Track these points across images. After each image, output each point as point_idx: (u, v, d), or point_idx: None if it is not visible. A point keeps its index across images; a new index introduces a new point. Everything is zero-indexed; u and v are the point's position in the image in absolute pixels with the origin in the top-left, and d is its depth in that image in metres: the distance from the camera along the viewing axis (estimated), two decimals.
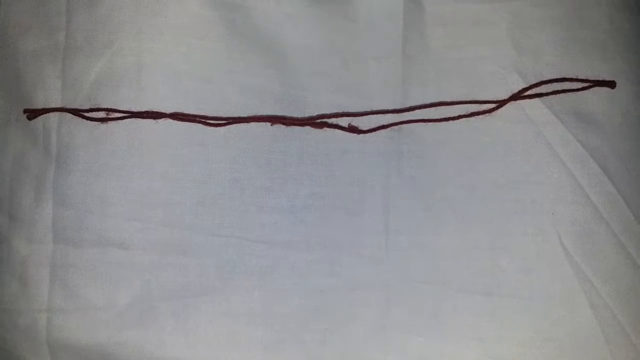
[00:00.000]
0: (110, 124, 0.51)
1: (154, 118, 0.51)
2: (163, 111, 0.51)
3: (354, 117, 0.52)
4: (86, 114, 0.51)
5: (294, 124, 0.51)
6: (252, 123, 0.52)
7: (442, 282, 0.51)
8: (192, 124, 0.51)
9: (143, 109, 0.51)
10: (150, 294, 0.51)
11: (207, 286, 0.51)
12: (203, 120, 0.51)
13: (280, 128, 0.52)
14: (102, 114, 0.51)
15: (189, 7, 0.51)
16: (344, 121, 0.52)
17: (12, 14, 0.52)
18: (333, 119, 0.52)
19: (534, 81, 0.51)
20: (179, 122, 0.51)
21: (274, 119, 0.51)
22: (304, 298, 0.51)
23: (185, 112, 0.51)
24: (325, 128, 0.52)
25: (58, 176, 0.51)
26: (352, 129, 0.52)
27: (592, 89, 0.51)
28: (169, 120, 0.51)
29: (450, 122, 0.51)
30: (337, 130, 0.52)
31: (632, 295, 0.49)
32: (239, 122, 0.51)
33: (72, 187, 0.51)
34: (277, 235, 0.51)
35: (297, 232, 0.51)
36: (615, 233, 0.49)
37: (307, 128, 0.52)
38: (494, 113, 0.51)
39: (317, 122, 0.51)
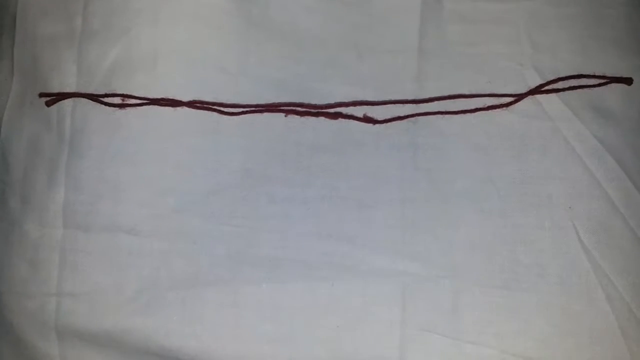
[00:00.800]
0: (125, 110, 0.51)
1: (171, 106, 0.51)
2: (178, 99, 0.51)
3: (369, 107, 0.52)
4: (104, 100, 0.51)
5: (308, 114, 0.51)
6: (266, 113, 0.51)
7: (459, 277, 0.50)
8: (206, 112, 0.51)
9: (158, 97, 0.51)
10: (159, 282, 0.50)
11: (216, 276, 0.50)
12: (219, 108, 0.51)
13: (294, 119, 0.51)
14: (118, 100, 0.51)
15: None
16: (359, 111, 0.52)
17: None
18: (349, 107, 0.51)
19: (551, 77, 0.51)
20: (194, 110, 0.51)
21: (287, 110, 0.51)
22: (314, 291, 0.50)
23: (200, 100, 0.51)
24: (340, 119, 0.51)
25: (71, 160, 0.51)
26: (368, 120, 0.51)
27: (608, 86, 0.50)
28: (184, 108, 0.51)
29: (467, 115, 0.51)
30: (351, 122, 0.51)
31: None
32: (254, 112, 0.51)
33: (85, 172, 0.51)
34: (288, 227, 0.51)
35: (308, 223, 0.51)
36: (632, 227, 0.49)
37: (322, 119, 0.51)
38: (510, 107, 0.51)
39: (331, 112, 0.51)
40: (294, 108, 0.51)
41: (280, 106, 0.51)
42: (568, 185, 0.50)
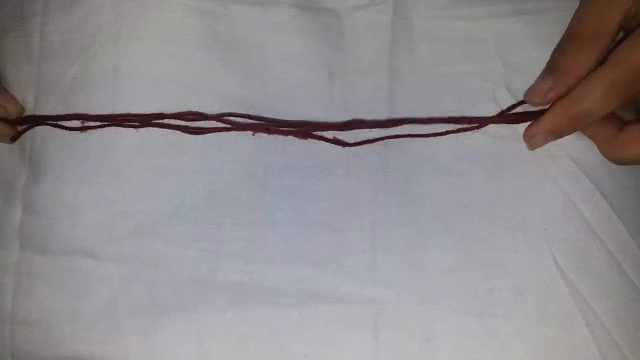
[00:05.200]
0: (87, 132, 0.50)
1: (134, 126, 0.49)
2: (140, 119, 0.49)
3: (339, 132, 0.50)
4: (65, 124, 0.50)
5: (278, 133, 0.50)
6: (232, 132, 0.50)
7: (432, 303, 0.48)
8: (168, 131, 0.49)
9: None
10: (117, 309, 0.48)
11: (177, 303, 0.48)
12: (184, 124, 0.49)
13: (261, 139, 0.50)
14: (78, 123, 0.50)
15: (171, 14, 0.50)
16: (329, 133, 0.50)
17: None
18: (318, 131, 0.50)
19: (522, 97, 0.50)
20: (155, 130, 0.49)
21: (256, 127, 0.50)
22: (282, 319, 0.48)
23: (163, 120, 0.50)
24: (309, 139, 0.50)
25: (29, 182, 0.50)
26: (337, 142, 0.50)
27: None
28: (145, 128, 0.49)
29: (438, 137, 0.50)
30: (321, 143, 0.50)
31: (628, 315, 0.46)
32: (221, 131, 0.49)
33: (42, 194, 0.49)
34: (254, 251, 0.49)
35: (276, 248, 0.49)
36: (610, 250, 0.47)
37: (290, 139, 0.50)
38: (482, 129, 0.50)
39: (301, 132, 0.50)
40: (262, 123, 0.50)
41: (247, 127, 0.50)
42: (543, 206, 0.48)
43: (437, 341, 0.47)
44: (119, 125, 0.49)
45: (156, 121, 0.49)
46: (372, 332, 0.48)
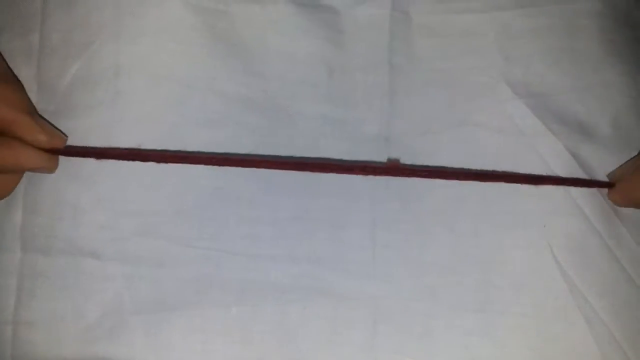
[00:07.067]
0: (85, 123, 0.49)
1: (139, 159, 0.48)
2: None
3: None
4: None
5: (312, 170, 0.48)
6: (232, 128, 0.50)
7: (431, 299, 0.48)
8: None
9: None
10: (122, 307, 0.48)
11: (182, 300, 0.48)
12: (188, 158, 0.48)
13: (263, 136, 0.50)
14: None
15: (170, 11, 0.50)
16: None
17: None
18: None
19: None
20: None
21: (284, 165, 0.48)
22: (285, 315, 0.48)
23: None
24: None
25: (30, 182, 0.49)
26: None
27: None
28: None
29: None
30: (321, 141, 0.50)
31: (627, 311, 0.47)
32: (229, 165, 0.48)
33: (43, 194, 0.49)
34: (258, 249, 0.49)
35: (279, 245, 0.49)
36: (609, 246, 0.47)
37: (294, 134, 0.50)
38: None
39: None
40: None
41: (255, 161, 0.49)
42: (542, 202, 0.48)
43: (435, 336, 0.48)
44: (142, 160, 0.48)
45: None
46: (371, 327, 0.48)
